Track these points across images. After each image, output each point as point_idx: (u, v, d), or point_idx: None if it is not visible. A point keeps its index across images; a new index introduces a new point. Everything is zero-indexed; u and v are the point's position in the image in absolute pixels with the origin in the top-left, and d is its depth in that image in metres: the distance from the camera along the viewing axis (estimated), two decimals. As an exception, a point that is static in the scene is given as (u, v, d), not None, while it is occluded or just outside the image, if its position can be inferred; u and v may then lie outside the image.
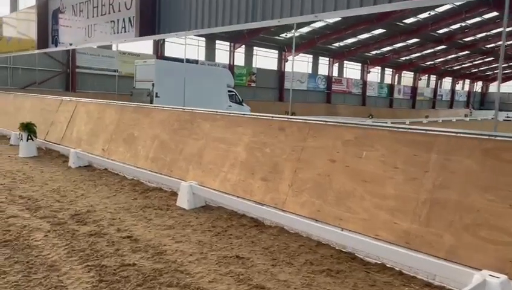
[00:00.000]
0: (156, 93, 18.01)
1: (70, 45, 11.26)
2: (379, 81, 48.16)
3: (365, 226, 3.93)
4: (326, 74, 41.80)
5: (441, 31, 34.03)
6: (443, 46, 38.64)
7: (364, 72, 45.44)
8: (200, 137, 6.22)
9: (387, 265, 3.73)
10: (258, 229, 4.70)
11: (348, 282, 3.48)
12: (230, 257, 3.95)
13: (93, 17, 9.90)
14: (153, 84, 18.01)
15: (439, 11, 28.95)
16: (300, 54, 37.95)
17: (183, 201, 5.54)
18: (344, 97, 43.58)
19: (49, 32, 12.03)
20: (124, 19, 8.80)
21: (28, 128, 9.19)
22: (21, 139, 9.19)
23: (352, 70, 45.00)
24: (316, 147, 4.66)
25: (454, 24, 32.11)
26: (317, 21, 29.46)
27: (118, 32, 9.04)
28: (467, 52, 41.81)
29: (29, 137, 9.20)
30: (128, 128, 7.72)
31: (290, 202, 4.63)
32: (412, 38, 35.62)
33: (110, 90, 25.09)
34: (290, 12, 5.62)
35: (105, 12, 9.49)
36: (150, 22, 8.00)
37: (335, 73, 42.70)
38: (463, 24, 31.97)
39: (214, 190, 5.50)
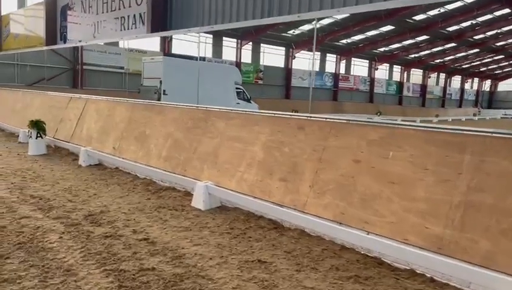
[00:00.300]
0: (164, 90, 17.88)
1: (80, 41, 11.12)
2: (387, 78, 47.75)
3: (393, 230, 3.75)
4: (333, 71, 41.48)
5: (450, 29, 33.64)
6: (453, 44, 38.23)
7: (372, 69, 45.08)
8: (215, 136, 6.07)
9: (417, 271, 3.56)
10: (277, 232, 4.54)
11: (377, 289, 3.32)
12: (252, 261, 3.79)
13: (102, 13, 9.75)
14: (161, 82, 17.87)
15: (450, 8, 28.60)
16: (305, 52, 37.66)
17: (199, 201, 5.39)
18: (351, 94, 43.27)
19: (57, 28, 11.90)
20: (134, 15, 8.65)
21: (37, 126, 9.09)
22: (30, 136, 9.09)
23: (359, 67, 44.67)
24: (339, 147, 4.49)
25: (464, 21, 31.71)
26: (324, 18, 29.23)
27: (127, 29, 8.89)
28: (476, 50, 41.35)
29: (39, 135, 9.09)
30: (139, 126, 7.58)
31: (312, 203, 4.47)
32: (421, 36, 35.25)
33: (117, 88, 25.05)
34: (309, 7, 5.43)
35: (114, 8, 9.33)
36: (161, 18, 7.84)
37: (342, 70, 42.39)
38: (473, 22, 31.56)
39: (230, 190, 5.34)
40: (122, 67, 25.64)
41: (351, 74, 43.76)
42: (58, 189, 6.23)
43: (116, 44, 25.34)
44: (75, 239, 4.18)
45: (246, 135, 5.58)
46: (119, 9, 9.15)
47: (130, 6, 8.78)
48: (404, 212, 3.74)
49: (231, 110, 6.09)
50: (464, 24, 32.64)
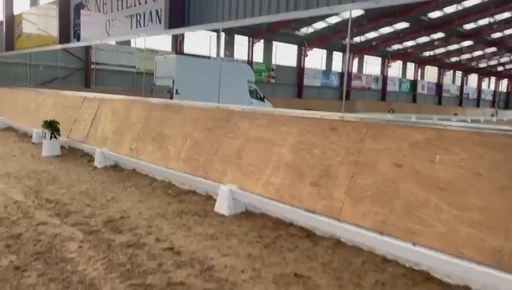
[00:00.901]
0: (176, 90, 17.62)
1: (94, 40, 10.91)
2: (400, 76, 47.06)
3: (443, 241, 3.42)
4: (341, 70, 40.93)
5: (467, 26, 32.93)
6: (469, 42, 37.46)
7: (385, 67, 44.43)
8: (238, 136, 5.76)
9: (472, 288, 3.23)
10: (310, 241, 4.23)
11: (431, 309, 2.99)
12: (288, 274, 3.49)
13: (117, 10, 9.51)
14: (173, 81, 17.62)
15: (466, 5, 27.96)
16: (316, 50, 37.18)
17: (223, 207, 5.10)
18: (363, 93, 42.69)
19: (71, 27, 11.70)
20: (150, 12, 8.39)
21: (52, 126, 8.87)
22: (44, 137, 8.87)
23: (371, 65, 44.05)
24: (377, 150, 4.16)
25: (482, 19, 31.00)
26: (333, 15, 28.81)
27: (144, 26, 8.63)
28: (493, 49, 40.50)
29: (53, 135, 8.88)
30: (157, 127, 7.31)
31: (348, 210, 4.14)
32: (436, 33, 34.56)
33: (129, 87, 24.90)
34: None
35: (130, 5, 9.09)
36: (179, 14, 7.56)
37: (354, 69, 41.83)
38: (491, 20, 30.83)
39: (256, 194, 5.04)
40: (133, 67, 25.48)
41: (364, 72, 43.18)
42: (74, 192, 5.98)
43: (128, 43, 25.19)
44: (95, 248, 3.91)
45: (272, 135, 5.27)
46: (135, 5, 8.90)
47: (146, 3, 8.53)
48: (455, 223, 3.41)
49: (255, 109, 5.78)
50: (481, 22, 31.92)
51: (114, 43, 23.99)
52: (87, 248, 3.93)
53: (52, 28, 12.91)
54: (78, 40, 11.42)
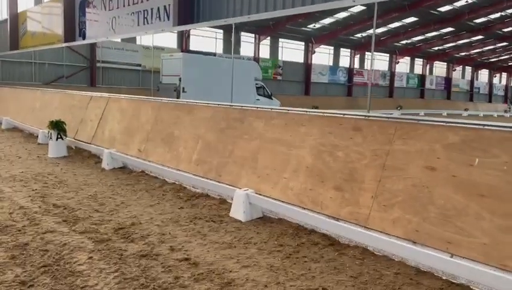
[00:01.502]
0: (183, 88, 17.37)
1: (99, 37, 10.65)
2: (408, 71, 46.47)
3: (485, 252, 3.13)
4: (350, 66, 40.48)
5: (478, 20, 32.35)
6: (480, 37, 36.84)
7: (392, 62, 43.89)
8: (253, 138, 5.49)
9: (519, 304, 2.94)
10: (335, 250, 3.95)
11: (479, 330, 2.71)
12: (315, 289, 3.21)
13: (123, 7, 9.25)
14: (180, 79, 17.37)
15: (478, -1, 27.44)
16: (323, 46, 36.81)
17: (239, 212, 4.83)
18: (367, 90, 42.20)
19: (76, 24, 11.45)
20: (158, 8, 8.12)
21: (58, 127, 8.65)
22: (50, 138, 8.65)
23: (379, 61, 43.52)
24: (407, 152, 3.87)
25: (493, 13, 30.41)
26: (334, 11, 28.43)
27: (151, 22, 8.36)
28: (505, 43, 39.84)
29: (59, 136, 8.66)
30: (167, 127, 7.05)
31: (376, 217, 3.86)
32: (446, 28, 33.99)
33: (135, 85, 24.68)
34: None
35: (137, 1, 8.82)
36: (188, 10, 7.28)
37: (358, 65, 41.33)
38: (503, 14, 30.24)
39: (274, 199, 4.76)
40: (139, 65, 25.24)
41: (365, 68, 42.63)
42: (82, 196, 5.73)
43: (133, 41, 24.95)
44: (106, 259, 3.65)
45: (290, 137, 4.99)
46: (142, 2, 8.63)
47: (153, -1, 8.26)
48: (499, 232, 3.11)
49: (271, 109, 5.49)
50: (493, 16, 31.33)
51: (120, 40, 23.77)
52: (98, 259, 3.67)
53: (57, 26, 12.68)
54: (84, 38, 11.18)
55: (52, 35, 13.35)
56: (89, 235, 4.26)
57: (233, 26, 6.47)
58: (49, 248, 3.87)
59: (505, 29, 35.30)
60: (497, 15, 30.92)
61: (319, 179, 4.46)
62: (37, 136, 10.67)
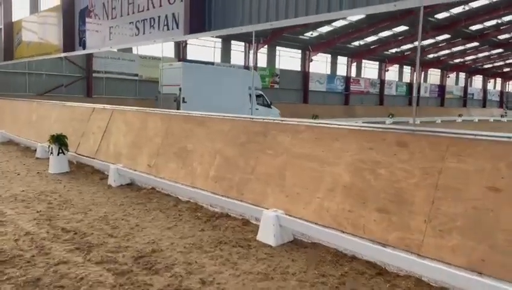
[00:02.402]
0: (183, 98, 16.95)
1: (101, 47, 10.22)
2: (399, 79, 46.47)
3: None
4: (344, 74, 40.38)
5: (474, 28, 32.43)
6: (475, 44, 36.95)
7: (382, 70, 43.86)
8: (278, 153, 5.09)
9: None
10: (386, 281, 3.54)
11: None
12: (378, 331, 2.80)
13: (128, 15, 8.87)
14: (180, 89, 16.95)
15: (474, 6, 27.45)
16: (319, 54, 36.71)
17: (268, 235, 4.41)
18: (361, 98, 42.13)
19: (75, 34, 11.03)
20: (166, 16, 7.75)
21: (59, 141, 8.19)
22: (51, 153, 8.18)
23: (370, 69, 43.48)
24: (465, 170, 3.49)
25: (489, 20, 30.48)
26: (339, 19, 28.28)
27: (158, 31, 7.97)
28: (500, 50, 40.02)
29: (60, 151, 8.19)
30: (179, 141, 6.63)
31: (431, 244, 3.47)
32: (441, 35, 34.01)
33: (131, 95, 24.21)
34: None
35: (142, 8, 8.45)
36: (201, 17, 6.91)
37: (353, 73, 41.30)
38: (499, 21, 30.32)
39: (308, 221, 4.35)
40: (136, 75, 24.80)
41: (362, 76, 42.61)
42: (92, 218, 5.28)
43: (129, 50, 24.53)
44: (132, 298, 3.21)
45: (323, 152, 4.60)
46: (148, 9, 8.25)
47: (160, 6, 7.90)
48: None
49: (299, 122, 5.10)
50: (488, 23, 31.41)
51: (116, 50, 23.34)
52: (122, 297, 3.23)
53: (54, 36, 12.27)
54: (84, 47, 10.74)
55: (49, 45, 12.92)
56: (107, 266, 3.82)
57: (253, 34, 6.05)
58: (65, 284, 3.43)
59: (501, 37, 35.43)
60: (493, 22, 30.99)
61: (360, 199, 4.07)
62: (35, 150, 10.19)
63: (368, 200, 4.00)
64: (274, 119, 5.42)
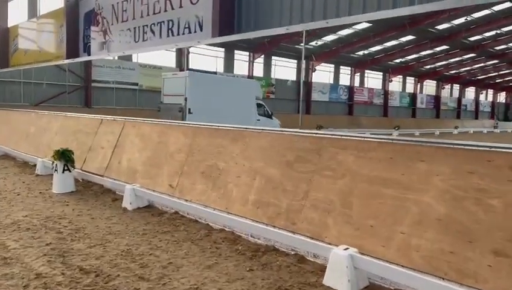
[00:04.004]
0: (189, 109, 16.12)
1: (111, 53, 9.37)
2: (401, 90, 46.18)
3: None
4: (348, 84, 39.91)
5: (472, 38, 32.19)
6: (472, 54, 36.77)
7: (385, 81, 43.51)
8: (339, 175, 4.27)
9: None
10: None
11: None
12: None
13: (141, 17, 8.03)
14: (185, 99, 16.12)
15: (476, 16, 27.15)
16: (322, 64, 36.24)
17: (340, 280, 3.57)
18: (366, 108, 41.66)
19: (80, 39, 10.18)
20: (188, 17, 6.93)
21: (65, 157, 7.29)
22: (55, 170, 7.27)
23: (373, 79, 43.13)
24: None
25: (489, 31, 30.25)
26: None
27: (178, 34, 7.16)
28: (495, 61, 39.94)
29: (66, 167, 7.29)
30: (208, 158, 5.78)
31: None
32: (441, 46, 33.75)
33: (130, 105, 23.32)
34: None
35: (158, 10, 7.63)
36: (231, 18, 6.11)
37: (356, 83, 40.88)
38: (498, 31, 30.09)
39: (390, 262, 3.52)
40: (136, 84, 23.91)
41: (366, 86, 42.21)
42: (113, 253, 4.40)
43: (129, 58, 23.68)
44: None
45: (403, 176, 3.79)
46: (166, 11, 7.44)
47: (181, 7, 7.08)
48: None
49: (366, 138, 4.29)
50: (488, 34, 31.19)
51: (115, 58, 22.50)
52: None
53: (56, 42, 11.40)
54: (89, 53, 9.90)
55: (49, 52, 12.03)
56: (149, 327, 2.94)
57: (304, 34, 5.23)
58: None
59: (497, 47, 35.30)
60: (493, 33, 30.75)
61: (464, 237, 3.25)
62: (34, 166, 9.27)
63: (476, 239, 3.19)
64: (331, 134, 4.58)
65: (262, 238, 4.67)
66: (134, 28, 8.26)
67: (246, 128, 5.61)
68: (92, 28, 9.64)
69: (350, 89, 39.75)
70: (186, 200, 5.72)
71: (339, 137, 4.49)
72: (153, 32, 7.77)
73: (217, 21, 6.05)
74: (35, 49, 13.12)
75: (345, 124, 31.05)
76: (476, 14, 26.86)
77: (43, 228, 5.19)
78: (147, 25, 7.93)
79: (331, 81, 38.23)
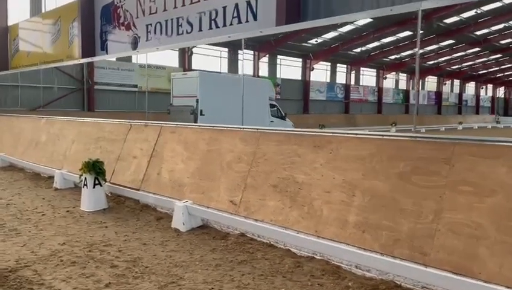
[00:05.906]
0: (201, 110, 15.16)
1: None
2: (395, 87, 45.58)
3: None
4: (344, 82, 39.17)
5: (479, 32, 31.60)
6: (476, 49, 36.22)
7: (379, 78, 42.86)
8: (486, 192, 3.37)
9: None
10: None
11: None
12: None
13: (174, 8, 7.06)
14: (197, 100, 15.15)
15: (485, 9, 26.54)
16: (321, 62, 35.45)
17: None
18: (361, 106, 40.98)
19: (96, 35, 9.14)
20: (237, 4, 5.98)
21: (96, 169, 6.29)
22: (85, 184, 6.27)
23: (368, 77, 42.42)
24: None
25: (497, 25, 29.67)
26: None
27: (225, 25, 6.21)
28: (498, 55, 39.50)
29: (97, 181, 6.30)
30: (278, 169, 4.85)
31: None
32: (447, 40, 33.06)
33: (131, 108, 22.21)
34: None
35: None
36: (297, 3, 5.17)
37: (352, 81, 40.19)
38: (506, 24, 29.53)
39: None
40: (135, 86, 22.80)
41: (360, 84, 41.51)
42: (195, 297, 3.44)
43: (128, 59, 22.56)
44: None
45: None
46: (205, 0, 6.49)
47: (227, -7, 6.13)
48: None
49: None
50: (495, 28, 30.61)
51: (114, 59, 21.40)
52: None
53: (64, 41, 10.36)
54: (107, 52, 8.87)
55: (59, 51, 10.98)
56: None
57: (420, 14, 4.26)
58: None
59: (502, 41, 34.77)
60: (501, 26, 30.16)
61: None
62: (49, 178, 8.28)
63: None
64: (464, 139, 3.66)
65: (375, 271, 3.75)
66: (166, 20, 7.27)
67: (334, 133, 4.67)
68: (112, 23, 8.62)
69: (346, 87, 39.05)
70: (256, 220, 4.77)
71: (474, 142, 3.58)
72: (190, 24, 6.79)
73: (283, 6, 5.10)
74: (39, 50, 12.05)
75: (343, 123, 30.36)
76: (486, 7, 26.21)
77: (91, 261, 4.21)
78: (182, 17, 6.95)
79: (328, 80, 37.46)
